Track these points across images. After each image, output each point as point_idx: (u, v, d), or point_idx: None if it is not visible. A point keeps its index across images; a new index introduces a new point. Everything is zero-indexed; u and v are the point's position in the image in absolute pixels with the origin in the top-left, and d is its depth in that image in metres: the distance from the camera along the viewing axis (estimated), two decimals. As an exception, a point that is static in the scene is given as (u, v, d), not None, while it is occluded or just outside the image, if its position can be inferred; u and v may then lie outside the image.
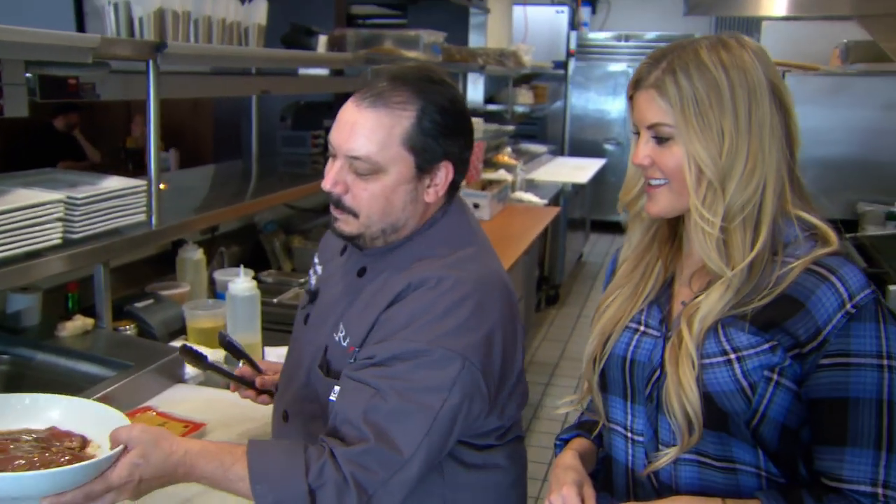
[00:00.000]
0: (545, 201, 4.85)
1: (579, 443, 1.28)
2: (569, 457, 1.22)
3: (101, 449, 1.09)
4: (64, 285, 1.94)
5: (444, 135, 1.20)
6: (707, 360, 1.07)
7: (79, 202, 1.70)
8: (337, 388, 1.19)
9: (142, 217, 1.94)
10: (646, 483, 1.16)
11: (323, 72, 3.57)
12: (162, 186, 2.78)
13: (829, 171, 3.65)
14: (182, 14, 2.23)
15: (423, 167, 1.21)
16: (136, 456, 1.02)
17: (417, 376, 1.12)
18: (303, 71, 3.53)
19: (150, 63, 1.91)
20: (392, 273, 1.23)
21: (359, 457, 1.08)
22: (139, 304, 2.05)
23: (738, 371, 1.05)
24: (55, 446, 1.07)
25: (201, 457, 1.07)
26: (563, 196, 5.61)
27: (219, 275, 2.34)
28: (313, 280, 1.42)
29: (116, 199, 1.83)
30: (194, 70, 2.64)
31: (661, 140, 1.10)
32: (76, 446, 1.09)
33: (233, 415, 1.63)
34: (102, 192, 1.79)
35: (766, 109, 1.06)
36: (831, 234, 1.08)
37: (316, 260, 1.45)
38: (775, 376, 1.05)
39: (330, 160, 1.24)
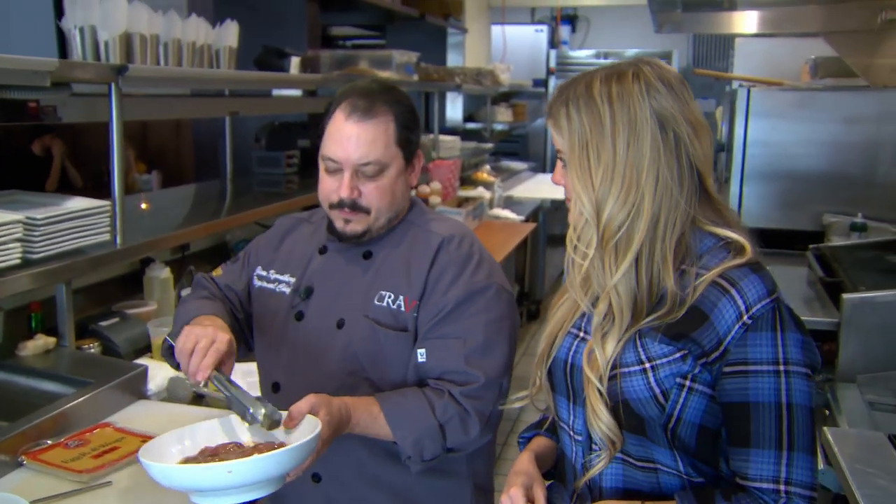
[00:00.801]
0: (522, 217, 4.90)
1: (537, 442, 1.35)
2: (524, 460, 1.30)
3: (258, 444, 1.23)
4: (27, 305, 1.96)
5: (415, 128, 1.47)
6: (625, 369, 1.13)
7: (38, 222, 1.73)
8: (420, 350, 1.40)
9: (105, 237, 1.97)
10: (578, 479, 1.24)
11: (296, 93, 3.62)
12: (144, 206, 2.83)
13: (795, 184, 3.70)
14: (150, 38, 2.27)
15: (408, 158, 1.47)
16: (326, 414, 1.23)
17: (489, 311, 1.42)
18: (277, 92, 3.59)
19: (112, 86, 1.95)
20: (412, 241, 1.48)
21: (474, 392, 1.37)
22: (104, 323, 2.08)
23: (651, 379, 1.11)
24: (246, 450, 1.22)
25: (356, 409, 1.31)
26: (542, 212, 5.66)
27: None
28: (281, 288, 1.53)
29: (78, 220, 1.87)
30: (166, 92, 2.69)
31: (564, 166, 1.19)
32: (243, 448, 1.23)
33: (191, 429, 1.65)
34: (63, 212, 1.82)
35: (644, 143, 1.11)
36: (745, 244, 1.13)
37: (275, 275, 1.55)
38: (688, 382, 1.11)
39: (326, 175, 1.43)
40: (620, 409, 1.13)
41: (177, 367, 1.53)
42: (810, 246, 2.94)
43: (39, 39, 2.14)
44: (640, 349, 1.13)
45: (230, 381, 1.27)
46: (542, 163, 8.35)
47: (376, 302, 1.44)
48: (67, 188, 5.35)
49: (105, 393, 1.72)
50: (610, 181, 1.11)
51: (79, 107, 1.98)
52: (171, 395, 1.87)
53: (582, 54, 8.44)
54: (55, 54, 2.06)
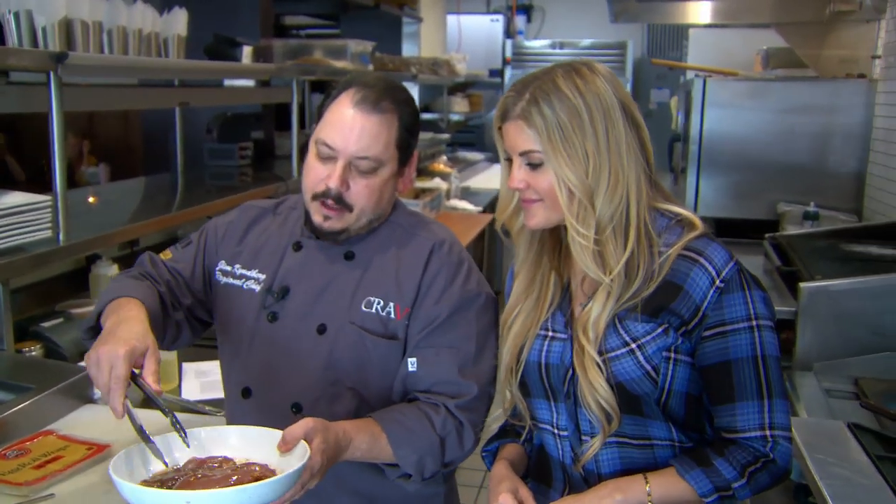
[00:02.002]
0: (480, 208, 4.88)
1: (508, 450, 1.37)
2: (501, 468, 1.32)
3: (249, 461, 1.16)
4: (-38, 307, 1.86)
5: (415, 132, 1.39)
6: (612, 354, 1.18)
7: (-28, 220, 1.64)
8: (411, 359, 1.34)
9: (47, 233, 1.88)
10: (574, 472, 1.26)
11: (249, 83, 3.53)
12: (91, 200, 2.72)
13: (750, 173, 3.74)
14: (92, 24, 2.18)
15: (403, 162, 1.39)
16: (321, 442, 1.14)
17: (479, 320, 1.37)
18: (228, 82, 3.49)
19: (51, 74, 1.85)
20: (399, 244, 1.40)
21: (468, 404, 1.32)
22: (46, 324, 1.98)
23: (640, 358, 1.17)
24: (228, 469, 1.14)
25: (355, 432, 1.23)
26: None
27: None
28: (250, 285, 1.43)
29: (17, 216, 1.77)
30: (112, 82, 2.58)
31: (533, 166, 1.18)
32: (231, 464, 1.16)
33: (141, 434, 1.58)
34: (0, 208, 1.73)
35: (620, 128, 1.17)
36: (695, 219, 1.21)
37: (241, 270, 1.45)
38: (672, 355, 1.18)
39: (317, 161, 1.34)
40: (615, 392, 1.17)
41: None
42: (766, 235, 2.97)
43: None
44: (622, 332, 1.18)
45: (153, 401, 1.16)
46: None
47: (364, 308, 1.36)
48: (9, 183, 5.15)
49: (47, 398, 1.64)
50: (599, 169, 1.16)
51: (15, 96, 1.88)
52: (119, 398, 1.79)
53: (537, 44, 8.44)
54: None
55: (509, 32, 8.48)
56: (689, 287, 1.15)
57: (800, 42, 4.49)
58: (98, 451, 1.50)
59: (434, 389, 1.34)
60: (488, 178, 6.17)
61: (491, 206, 5.40)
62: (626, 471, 1.22)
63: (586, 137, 1.15)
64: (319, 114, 1.37)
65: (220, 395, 1.79)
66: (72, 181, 4.97)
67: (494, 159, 7.74)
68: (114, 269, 2.25)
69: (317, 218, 1.36)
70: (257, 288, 1.43)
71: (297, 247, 1.43)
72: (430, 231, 1.43)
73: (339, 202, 1.33)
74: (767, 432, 1.14)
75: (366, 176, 1.33)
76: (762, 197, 3.73)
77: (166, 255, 1.51)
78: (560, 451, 1.27)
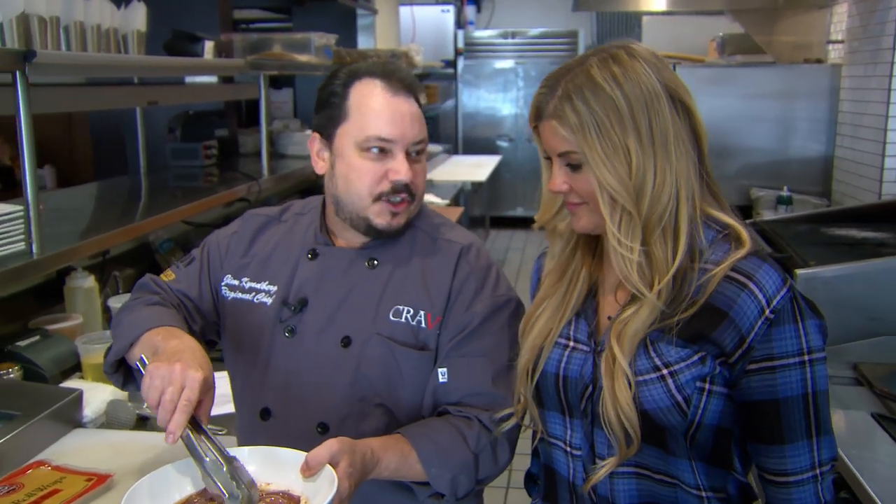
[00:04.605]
0: (447, 201, 4.81)
1: None
2: None
3: (270, 486, 1.10)
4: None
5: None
6: (640, 378, 1.07)
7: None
8: (442, 370, 1.27)
9: (21, 246, 1.75)
10: (585, 496, 1.17)
11: (211, 79, 3.39)
12: (40, 207, 2.56)
13: (720, 159, 3.76)
14: (50, 20, 2.04)
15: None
16: (347, 465, 1.07)
17: (511, 327, 1.29)
18: (189, 79, 3.35)
19: (18, 74, 1.72)
20: (423, 249, 1.33)
21: (504, 416, 1.24)
22: (22, 343, 1.84)
23: (672, 386, 1.06)
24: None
25: (384, 450, 1.16)
26: (464, 195, 5.59)
27: (114, 302, 2.15)
28: (261, 298, 1.35)
29: (-12, 229, 1.64)
30: (68, 81, 2.44)
31: (573, 167, 1.09)
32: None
33: (143, 461, 1.47)
34: (-29, 221, 1.59)
35: (666, 117, 1.05)
36: (743, 233, 1.08)
37: (250, 283, 1.37)
38: (707, 385, 1.07)
39: (368, 161, 1.27)
40: (639, 420, 1.07)
41: (123, 386, 1.35)
42: (747, 221, 2.97)
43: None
44: (653, 355, 1.08)
45: (209, 438, 1.06)
46: (455, 144, 8.30)
47: (392, 318, 1.29)
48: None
49: (35, 425, 1.51)
50: (644, 167, 1.04)
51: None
52: (110, 420, 1.67)
53: (487, 34, 8.41)
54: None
55: (460, 23, 8.41)
56: (736, 315, 1.03)
57: (753, 28, 4.53)
58: (100, 482, 1.38)
59: (466, 401, 1.27)
60: (449, 171, 6.10)
61: (455, 199, 5.34)
62: None
63: (627, 133, 1.03)
64: (333, 115, 1.29)
65: (220, 411, 1.69)
66: (12, 184, 4.72)
67: (451, 151, 7.69)
68: (90, 281, 2.11)
69: (382, 220, 1.29)
70: (269, 301, 1.35)
71: (313, 255, 1.35)
72: (457, 234, 1.37)
73: (408, 193, 1.29)
74: (817, 470, 1.07)
75: (419, 161, 1.31)
76: (733, 182, 3.76)
77: (168, 275, 1.42)
78: (571, 471, 1.19)
